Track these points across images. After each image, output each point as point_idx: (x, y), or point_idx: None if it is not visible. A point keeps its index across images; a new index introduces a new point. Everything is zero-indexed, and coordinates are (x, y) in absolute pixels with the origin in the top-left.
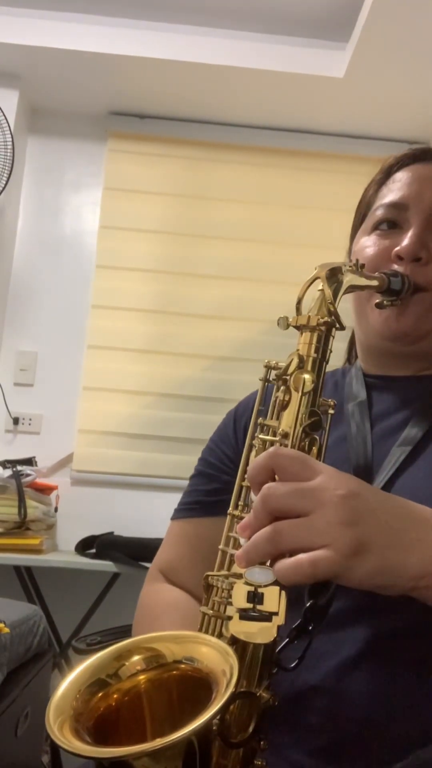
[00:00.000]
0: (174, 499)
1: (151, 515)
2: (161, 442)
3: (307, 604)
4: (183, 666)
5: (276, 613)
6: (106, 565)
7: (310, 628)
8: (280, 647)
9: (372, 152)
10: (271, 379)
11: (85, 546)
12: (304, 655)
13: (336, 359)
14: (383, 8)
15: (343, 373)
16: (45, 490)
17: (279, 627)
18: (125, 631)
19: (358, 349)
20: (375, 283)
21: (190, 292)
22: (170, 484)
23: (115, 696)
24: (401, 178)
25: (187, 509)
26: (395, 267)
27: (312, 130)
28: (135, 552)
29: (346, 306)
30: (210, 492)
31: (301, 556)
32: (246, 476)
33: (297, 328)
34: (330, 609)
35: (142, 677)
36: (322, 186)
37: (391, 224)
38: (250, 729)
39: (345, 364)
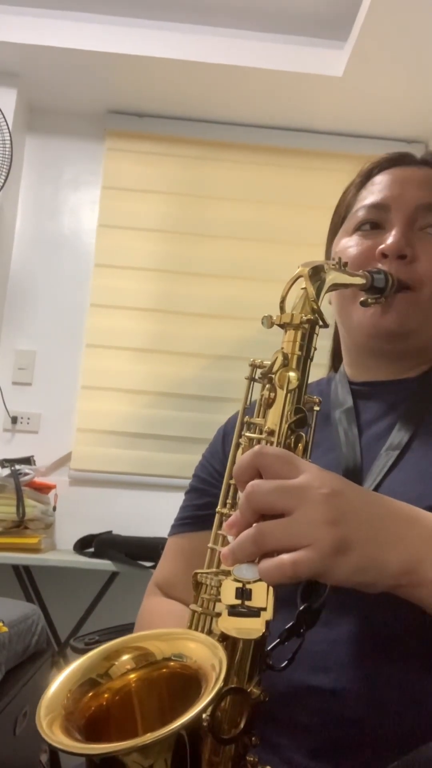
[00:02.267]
0: (173, 498)
1: (150, 514)
2: (160, 441)
3: (300, 608)
4: (172, 663)
5: (264, 609)
6: (105, 564)
7: (302, 630)
8: (270, 647)
9: (370, 151)
10: (257, 377)
11: (83, 545)
12: (294, 657)
13: (321, 357)
14: (382, 7)
15: (328, 381)
16: (43, 489)
17: (269, 624)
18: (124, 630)
19: (343, 353)
20: (358, 280)
21: (188, 290)
22: (169, 483)
23: (105, 696)
24: (381, 180)
25: (181, 525)
26: (379, 265)
27: (310, 128)
28: (133, 551)
29: (328, 306)
30: (202, 506)
31: (284, 557)
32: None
33: (281, 326)
34: (323, 611)
35: (132, 676)
36: (321, 184)
37: (373, 225)
38: (241, 725)
39: (330, 372)
